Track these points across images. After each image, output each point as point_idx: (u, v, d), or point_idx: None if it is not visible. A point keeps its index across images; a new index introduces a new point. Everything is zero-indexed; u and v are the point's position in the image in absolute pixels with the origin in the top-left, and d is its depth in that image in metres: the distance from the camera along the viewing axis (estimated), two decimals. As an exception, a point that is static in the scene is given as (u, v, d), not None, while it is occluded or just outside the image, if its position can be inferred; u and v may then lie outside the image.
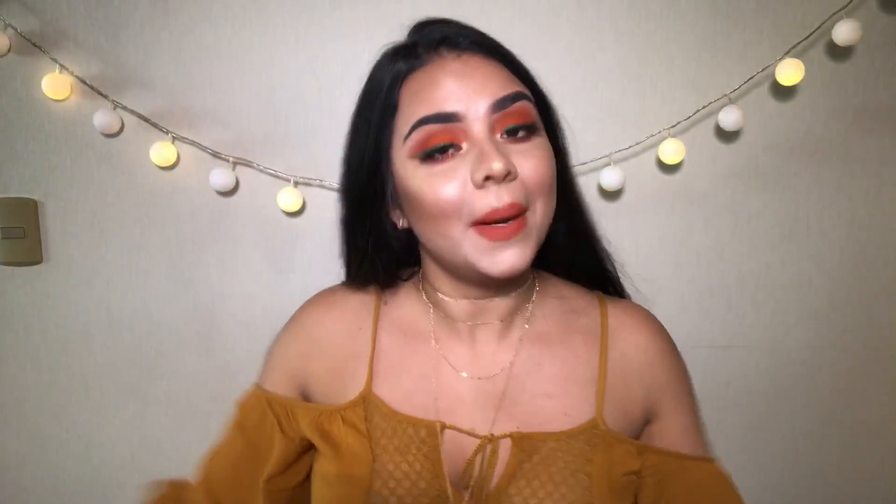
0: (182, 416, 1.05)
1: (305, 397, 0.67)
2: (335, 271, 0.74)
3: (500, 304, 0.63)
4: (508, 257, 0.53)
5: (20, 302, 1.01)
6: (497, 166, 0.51)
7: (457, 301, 0.63)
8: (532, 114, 0.56)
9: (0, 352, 1.02)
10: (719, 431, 1.07)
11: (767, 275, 1.03)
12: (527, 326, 0.64)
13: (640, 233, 1.01)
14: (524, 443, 0.58)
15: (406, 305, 0.67)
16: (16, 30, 0.91)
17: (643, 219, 1.01)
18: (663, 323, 0.70)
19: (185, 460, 1.07)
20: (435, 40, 0.57)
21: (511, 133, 0.54)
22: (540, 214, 0.55)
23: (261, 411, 0.66)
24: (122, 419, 1.05)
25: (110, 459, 1.05)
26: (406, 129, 0.55)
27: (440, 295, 0.64)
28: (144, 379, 1.04)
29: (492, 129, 0.54)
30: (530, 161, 0.54)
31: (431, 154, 0.54)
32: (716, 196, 1.01)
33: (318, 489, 0.63)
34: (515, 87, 0.55)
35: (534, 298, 0.65)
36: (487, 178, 0.52)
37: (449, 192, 0.53)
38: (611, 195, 1.00)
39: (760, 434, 1.07)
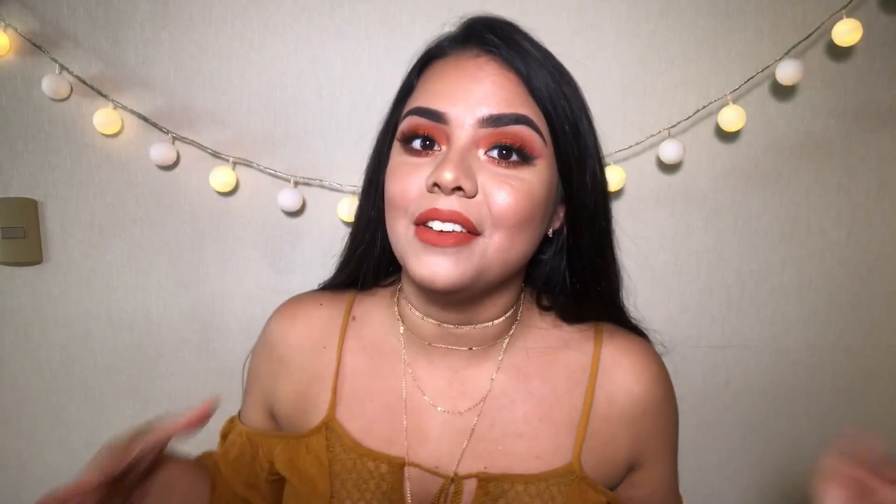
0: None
1: (273, 416, 0.66)
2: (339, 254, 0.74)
3: (472, 332, 0.57)
4: (434, 264, 0.49)
5: (20, 302, 1.01)
6: (447, 176, 0.47)
7: (423, 319, 0.58)
8: (529, 143, 0.50)
9: (0, 352, 1.02)
10: (719, 431, 1.07)
11: (767, 275, 1.03)
12: (502, 361, 0.59)
13: (640, 233, 1.01)
14: (490, 486, 0.54)
15: (376, 321, 0.63)
16: (16, 30, 0.91)
17: (643, 219, 1.01)
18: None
19: (185, 460, 1.07)
20: (465, 33, 0.54)
21: (498, 154, 0.50)
22: (495, 247, 0.50)
23: (240, 446, 0.66)
24: (122, 419, 1.05)
25: (110, 459, 1.05)
26: (405, 112, 0.54)
27: (411, 308, 0.59)
28: (144, 379, 1.04)
29: (475, 143, 0.50)
30: (503, 189, 0.49)
31: (410, 141, 0.52)
32: (716, 196, 1.01)
33: None
34: (523, 108, 0.50)
35: (514, 329, 0.60)
36: (435, 185, 0.48)
37: (404, 186, 0.51)
38: (611, 195, 1.00)
39: (760, 434, 1.07)
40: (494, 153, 0.50)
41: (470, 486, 0.55)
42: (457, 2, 0.95)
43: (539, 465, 0.55)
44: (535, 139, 0.50)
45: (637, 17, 0.96)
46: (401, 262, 0.54)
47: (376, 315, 0.64)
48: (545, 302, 0.63)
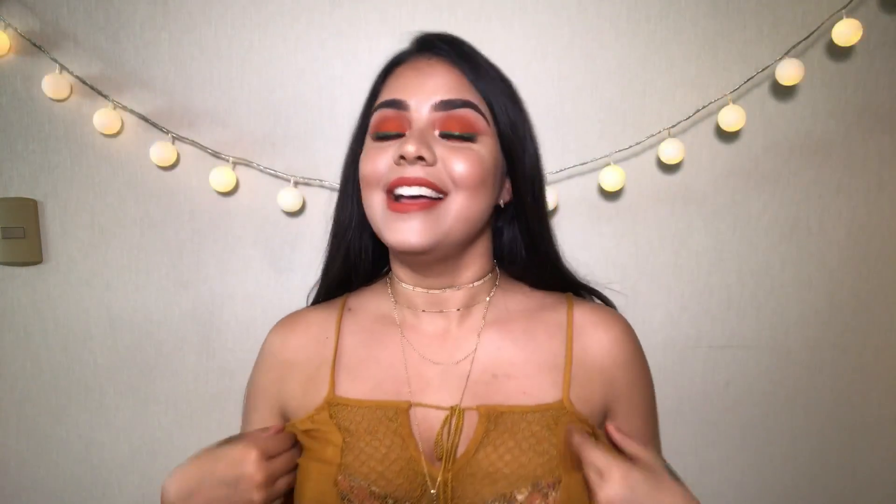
0: (182, 416, 1.05)
1: (286, 417, 0.70)
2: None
3: (455, 294, 0.67)
4: (406, 229, 0.58)
5: (20, 302, 1.01)
6: (410, 148, 0.58)
7: (413, 289, 0.67)
8: (475, 123, 0.61)
9: (0, 352, 1.02)
10: (719, 431, 1.07)
11: (767, 275, 1.03)
12: (484, 316, 0.68)
13: (640, 233, 1.01)
14: (490, 413, 0.62)
15: (372, 305, 0.71)
16: (16, 30, 0.91)
17: (643, 219, 1.01)
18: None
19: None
20: (420, 44, 0.65)
21: (449, 134, 0.60)
22: (458, 206, 0.60)
23: None
24: (122, 419, 1.05)
25: (110, 459, 1.05)
26: (373, 110, 0.64)
27: (402, 284, 0.68)
28: (144, 379, 1.04)
29: (431, 125, 0.61)
30: (458, 157, 0.60)
31: (381, 135, 0.62)
32: (716, 196, 1.01)
33: (297, 483, 0.65)
34: (468, 95, 0.61)
35: (494, 291, 0.70)
36: (402, 157, 0.58)
37: (375, 164, 0.61)
38: (611, 195, 1.00)
39: (760, 434, 1.07)
40: (448, 132, 0.61)
41: (471, 417, 0.62)
42: (456, 1, 0.95)
43: (527, 400, 0.63)
44: (479, 119, 0.62)
45: (637, 17, 0.96)
46: (378, 235, 0.63)
47: (371, 302, 0.72)
48: (516, 272, 0.72)
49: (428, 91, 0.61)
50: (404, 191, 0.59)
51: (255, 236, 1.01)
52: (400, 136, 0.61)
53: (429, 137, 0.60)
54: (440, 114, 0.61)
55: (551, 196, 0.95)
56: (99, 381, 1.04)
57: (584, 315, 0.68)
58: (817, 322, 1.05)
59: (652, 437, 0.71)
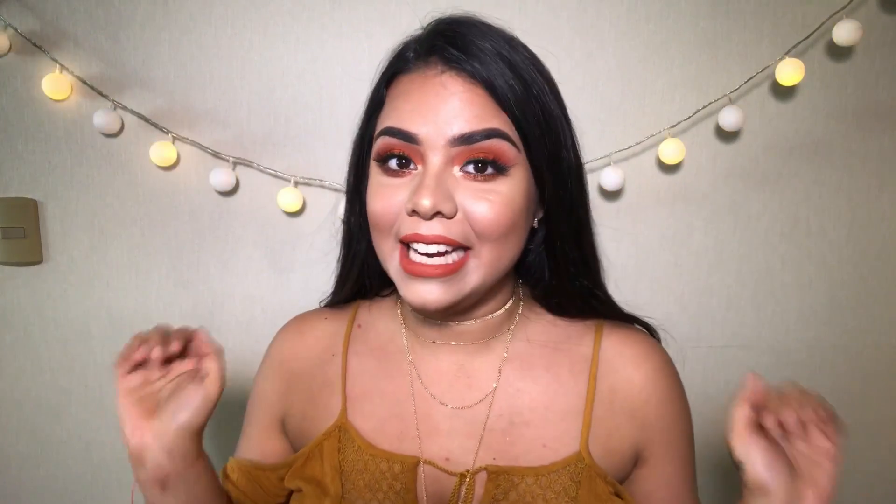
0: (182, 416, 1.05)
1: (283, 432, 0.66)
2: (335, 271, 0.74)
3: (473, 326, 0.59)
4: (424, 291, 0.51)
5: (20, 302, 1.01)
6: (425, 203, 0.48)
7: (425, 320, 0.60)
8: (503, 153, 0.50)
9: (0, 352, 1.02)
10: (719, 431, 1.07)
11: (767, 275, 1.03)
12: (506, 352, 0.60)
13: (640, 233, 1.01)
14: (500, 479, 0.55)
15: (381, 326, 0.64)
16: (16, 30, 0.91)
17: (643, 219, 1.01)
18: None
19: (185, 460, 1.07)
20: (428, 47, 0.53)
21: (474, 169, 0.50)
22: (484, 259, 0.51)
23: (247, 478, 0.66)
24: (122, 419, 1.04)
25: (110, 459, 1.05)
26: (378, 129, 0.54)
27: (411, 310, 0.60)
28: (144, 379, 1.04)
29: (449, 161, 0.50)
30: (483, 203, 0.50)
31: (386, 161, 0.52)
32: (716, 196, 1.01)
33: None
34: (491, 122, 0.50)
35: (516, 321, 0.61)
36: (415, 211, 0.50)
37: (386, 207, 0.52)
38: (611, 195, 1.00)
39: (760, 434, 1.07)
40: (470, 168, 0.50)
41: (481, 480, 0.56)
42: (457, 2, 0.95)
43: (546, 453, 0.56)
44: (508, 149, 0.51)
45: (637, 17, 0.96)
46: (392, 279, 0.55)
47: (381, 321, 0.65)
48: (537, 294, 0.63)
49: (442, 121, 0.49)
50: (420, 247, 0.51)
51: (255, 236, 1.01)
52: (408, 161, 0.52)
53: (447, 180, 0.50)
54: (459, 149, 0.50)
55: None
56: (99, 381, 1.04)
57: (612, 347, 0.59)
58: (817, 322, 1.05)
59: (690, 484, 0.63)
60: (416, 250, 0.51)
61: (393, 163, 0.52)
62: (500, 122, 0.50)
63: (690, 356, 1.05)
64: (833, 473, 0.47)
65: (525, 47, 0.55)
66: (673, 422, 0.61)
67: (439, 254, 0.51)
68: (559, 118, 0.55)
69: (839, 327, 1.05)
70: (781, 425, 0.48)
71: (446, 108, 0.50)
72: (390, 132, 0.51)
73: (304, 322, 0.68)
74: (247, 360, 1.04)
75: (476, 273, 0.52)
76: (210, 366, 0.54)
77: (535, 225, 0.58)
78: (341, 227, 0.67)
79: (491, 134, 0.50)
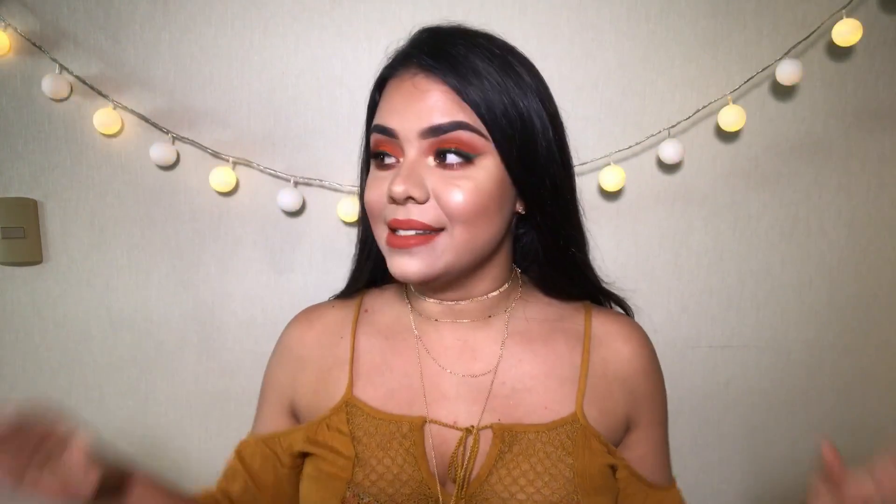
0: (182, 416, 1.05)
1: (295, 413, 0.69)
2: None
3: (471, 305, 0.65)
4: (406, 264, 0.57)
5: (20, 302, 1.01)
6: (396, 189, 0.55)
7: (426, 300, 0.66)
8: (469, 143, 0.56)
9: (0, 352, 1.02)
10: (719, 431, 1.07)
11: (767, 275, 1.03)
12: (506, 328, 0.66)
13: (640, 233, 1.01)
14: (504, 434, 0.60)
15: (387, 309, 0.70)
16: (16, 30, 0.91)
17: (643, 219, 1.01)
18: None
19: (185, 460, 1.07)
20: (406, 55, 0.60)
21: (444, 158, 0.56)
22: (458, 239, 0.57)
23: (260, 455, 0.69)
24: (122, 419, 1.05)
25: (110, 459, 1.05)
26: (371, 129, 0.61)
27: (415, 291, 0.67)
28: (144, 379, 1.04)
29: (422, 152, 0.57)
30: (451, 189, 0.56)
31: (378, 156, 0.60)
32: (716, 196, 1.01)
33: (303, 488, 0.65)
34: (458, 114, 0.56)
35: (514, 302, 0.67)
36: (391, 198, 0.56)
37: (376, 197, 0.59)
38: (611, 195, 1.00)
39: (760, 434, 1.07)
40: (440, 157, 0.57)
41: (486, 437, 0.61)
42: (456, 2, 0.95)
43: (547, 414, 0.62)
44: (475, 138, 0.56)
45: (637, 17, 0.96)
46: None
47: (387, 305, 0.70)
48: (534, 278, 0.70)
49: (413, 116, 0.56)
50: (399, 231, 0.57)
51: (255, 236, 1.01)
52: (392, 157, 0.59)
53: (420, 169, 0.57)
54: (430, 140, 0.56)
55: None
56: (99, 381, 1.04)
57: (602, 325, 0.67)
58: (817, 322, 1.05)
59: (667, 447, 0.71)
60: (397, 232, 0.58)
61: (382, 158, 0.59)
62: (465, 115, 0.56)
63: (690, 356, 1.05)
64: None
65: (505, 48, 0.60)
66: (657, 390, 0.68)
67: (416, 237, 0.57)
68: (534, 111, 0.59)
69: (839, 327, 1.05)
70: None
71: (418, 106, 0.56)
72: (377, 129, 0.59)
73: (312, 312, 0.73)
74: (247, 360, 1.04)
75: (450, 252, 0.57)
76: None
77: (522, 210, 0.63)
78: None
79: (457, 126, 0.56)
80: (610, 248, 1.02)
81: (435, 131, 0.56)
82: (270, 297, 1.02)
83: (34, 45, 0.92)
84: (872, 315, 1.05)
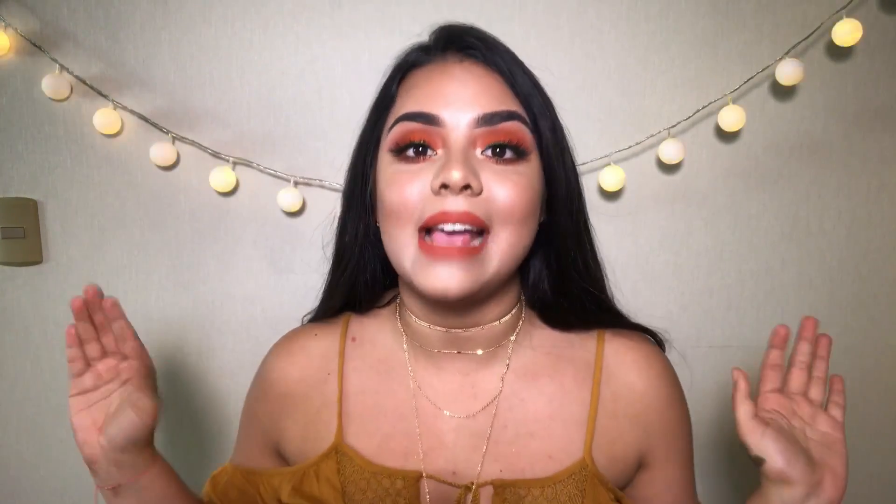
0: (182, 416, 1.05)
1: (280, 455, 0.64)
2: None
3: (480, 333, 0.58)
4: (445, 277, 0.49)
5: (20, 302, 1.01)
6: (456, 175, 0.48)
7: (430, 328, 0.58)
8: (523, 137, 0.52)
9: (0, 352, 1.02)
10: (720, 431, 1.07)
11: (767, 275, 1.03)
12: (508, 361, 0.59)
13: (640, 233, 1.01)
14: (506, 492, 0.54)
15: (378, 338, 0.63)
16: (16, 30, 0.91)
17: (643, 219, 1.01)
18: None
19: (185, 460, 1.07)
20: (445, 40, 0.55)
21: (495, 151, 0.51)
22: (503, 243, 0.51)
23: (240, 486, 0.64)
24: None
25: (110, 459, 1.05)
26: (391, 122, 0.54)
27: (414, 318, 0.59)
28: (144, 379, 1.04)
29: (472, 143, 0.51)
30: (505, 184, 0.50)
31: (404, 150, 0.52)
32: (716, 196, 1.01)
33: None
34: (511, 105, 0.52)
35: (519, 327, 0.60)
36: (444, 186, 0.49)
37: (408, 193, 0.51)
38: (611, 195, 1.00)
39: (760, 434, 1.07)
40: (494, 151, 0.51)
41: (486, 494, 0.55)
42: (457, 2, 0.95)
43: (552, 465, 0.56)
44: (527, 134, 0.52)
45: (637, 18, 0.96)
46: (404, 277, 0.54)
47: (378, 332, 0.63)
48: (540, 302, 0.63)
49: (466, 102, 0.50)
50: (446, 226, 0.50)
51: (255, 236, 1.01)
52: (426, 148, 0.51)
53: (472, 159, 0.50)
54: (482, 129, 0.50)
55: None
56: (99, 381, 1.03)
57: (615, 354, 0.60)
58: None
59: (690, 485, 0.64)
60: (441, 230, 0.50)
61: (410, 151, 0.52)
62: (517, 107, 0.52)
63: (690, 356, 1.05)
64: (844, 457, 0.50)
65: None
66: (674, 426, 0.61)
67: (463, 233, 0.50)
68: (560, 123, 0.57)
69: (839, 327, 1.05)
70: (784, 412, 0.53)
71: (467, 91, 0.51)
72: (410, 117, 0.52)
73: (293, 342, 0.66)
74: (246, 360, 1.04)
75: (496, 258, 0.51)
76: (138, 395, 0.59)
77: (542, 219, 0.58)
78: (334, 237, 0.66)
79: (511, 116, 0.51)
80: (610, 248, 1.01)
81: (489, 120, 0.50)
82: (270, 297, 1.02)
83: (34, 45, 0.92)
84: (872, 315, 1.04)
